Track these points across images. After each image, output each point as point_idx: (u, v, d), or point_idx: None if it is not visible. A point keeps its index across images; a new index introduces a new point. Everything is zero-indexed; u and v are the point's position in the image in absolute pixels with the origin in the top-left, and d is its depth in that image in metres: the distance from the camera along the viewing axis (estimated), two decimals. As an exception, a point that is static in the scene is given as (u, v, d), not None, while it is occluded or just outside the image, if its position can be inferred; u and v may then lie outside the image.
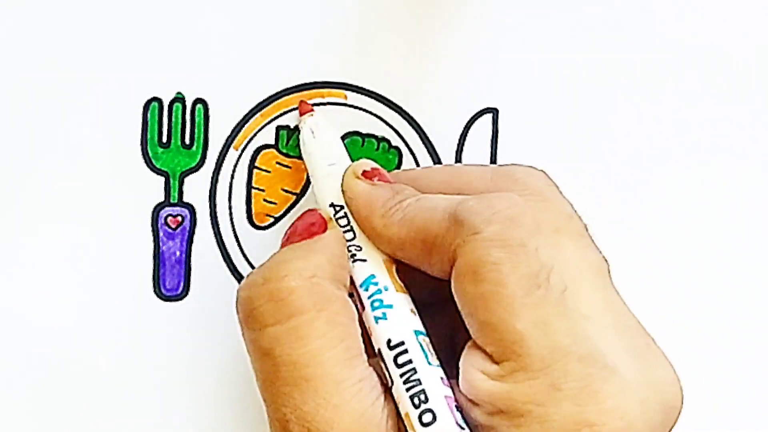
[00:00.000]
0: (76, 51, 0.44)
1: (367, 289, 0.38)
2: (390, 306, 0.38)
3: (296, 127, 0.45)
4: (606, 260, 0.39)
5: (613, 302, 0.38)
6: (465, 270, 0.36)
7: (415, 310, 0.38)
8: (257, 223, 0.45)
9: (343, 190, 0.40)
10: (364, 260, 0.39)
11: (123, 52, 0.44)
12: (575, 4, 0.46)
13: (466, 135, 0.46)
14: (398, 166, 0.45)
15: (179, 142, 0.44)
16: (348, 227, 0.40)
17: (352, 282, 0.39)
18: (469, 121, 0.46)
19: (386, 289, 0.38)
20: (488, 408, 0.35)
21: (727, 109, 0.46)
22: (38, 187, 0.44)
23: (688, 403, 0.38)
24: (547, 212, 0.38)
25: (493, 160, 0.46)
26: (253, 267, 0.45)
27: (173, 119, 0.44)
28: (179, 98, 0.44)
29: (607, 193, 0.46)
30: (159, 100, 0.44)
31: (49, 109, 0.44)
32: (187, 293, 0.44)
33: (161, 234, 0.44)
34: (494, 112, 0.46)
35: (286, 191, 0.45)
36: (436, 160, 0.45)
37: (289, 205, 0.45)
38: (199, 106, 0.44)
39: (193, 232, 0.45)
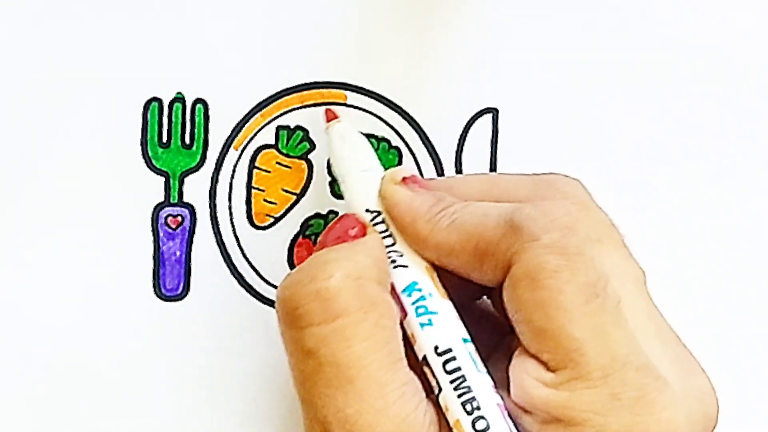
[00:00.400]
0: (76, 51, 0.44)
1: (410, 295, 0.38)
2: (435, 312, 0.37)
3: (297, 127, 0.45)
4: (643, 271, 0.38)
5: (654, 313, 0.38)
6: (522, 276, 0.35)
7: (458, 318, 0.38)
8: (257, 223, 0.45)
9: (382, 196, 0.39)
10: (406, 266, 0.38)
11: (123, 52, 0.44)
12: (575, 4, 0.46)
13: (466, 135, 0.46)
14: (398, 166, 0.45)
15: (179, 142, 0.44)
16: (387, 233, 0.39)
17: (393, 288, 0.38)
18: (469, 121, 0.46)
19: (431, 296, 0.38)
20: (542, 416, 0.35)
21: (727, 109, 0.46)
22: (38, 187, 0.44)
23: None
24: (589, 221, 0.38)
25: (493, 160, 0.46)
26: (253, 267, 0.45)
27: (173, 119, 0.44)
28: (179, 98, 0.44)
29: (607, 193, 0.46)
30: (159, 100, 0.44)
31: (49, 109, 0.44)
32: (187, 293, 0.44)
33: (161, 234, 0.44)
34: (494, 112, 0.46)
35: (286, 191, 0.45)
36: (436, 160, 0.45)
37: (289, 205, 0.45)
38: (199, 106, 0.44)
39: (193, 232, 0.45)
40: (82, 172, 0.44)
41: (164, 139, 0.44)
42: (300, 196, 0.45)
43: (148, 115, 0.44)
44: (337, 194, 0.45)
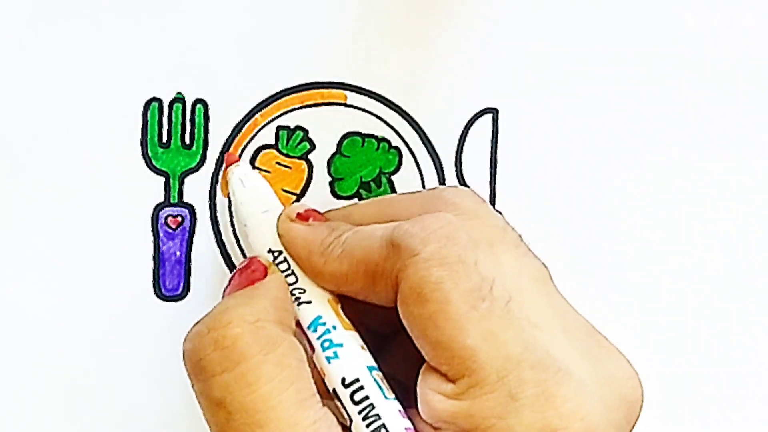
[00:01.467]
0: (76, 51, 0.44)
1: (315, 331, 0.38)
2: (340, 345, 0.38)
3: (297, 127, 0.45)
4: (545, 266, 0.39)
5: (559, 306, 0.38)
6: (409, 293, 0.36)
7: (365, 346, 0.38)
8: (257, 223, 0.45)
9: (279, 235, 0.40)
10: (309, 302, 0.39)
11: (123, 52, 0.44)
12: (575, 4, 0.46)
13: (466, 135, 0.46)
14: (398, 167, 0.45)
15: (179, 143, 0.44)
16: (289, 271, 0.39)
17: (299, 325, 0.39)
18: (469, 121, 0.46)
19: (334, 329, 0.38)
20: (451, 429, 0.35)
21: (728, 109, 0.46)
22: (38, 187, 0.44)
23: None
24: (480, 228, 0.38)
25: (493, 160, 0.46)
26: (253, 267, 0.45)
27: (173, 119, 0.44)
28: (179, 98, 0.44)
29: (606, 193, 0.46)
30: (159, 100, 0.44)
31: (49, 109, 0.44)
32: (187, 293, 0.44)
33: (161, 234, 0.44)
34: (494, 112, 0.46)
35: (286, 191, 0.45)
36: (436, 160, 0.45)
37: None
38: (199, 106, 0.44)
39: (193, 232, 0.45)
40: (82, 172, 0.44)
41: (164, 140, 0.44)
42: (300, 196, 0.45)
43: (148, 115, 0.44)
44: (338, 194, 0.45)
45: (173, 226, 0.44)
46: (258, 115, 0.45)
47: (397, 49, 0.45)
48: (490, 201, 0.46)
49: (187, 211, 0.44)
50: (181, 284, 0.44)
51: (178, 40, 0.44)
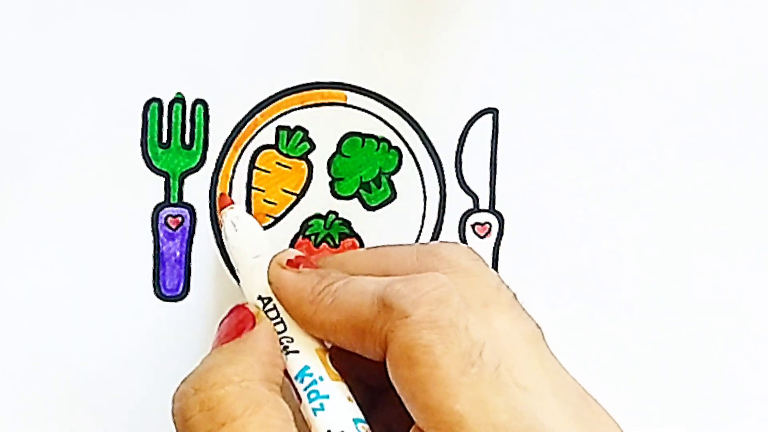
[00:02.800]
0: (76, 51, 0.44)
1: (302, 381, 0.38)
2: (326, 396, 0.37)
3: (297, 127, 0.45)
4: (539, 327, 0.39)
5: (550, 369, 0.38)
6: (398, 355, 0.36)
7: (352, 398, 0.38)
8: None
9: (269, 281, 0.40)
10: (297, 351, 0.38)
11: (123, 52, 0.44)
12: (576, 4, 0.46)
13: (466, 135, 0.46)
14: (398, 167, 0.45)
15: (179, 143, 0.44)
16: (278, 319, 0.39)
17: (288, 374, 0.38)
18: (469, 121, 0.46)
19: (321, 380, 0.38)
20: None
21: (728, 110, 0.46)
22: (38, 187, 0.44)
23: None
24: (474, 288, 0.38)
25: (493, 160, 0.46)
26: (253, 267, 0.45)
27: (173, 119, 0.44)
28: (179, 98, 0.44)
29: (606, 193, 0.46)
30: (159, 101, 0.44)
31: (49, 109, 0.44)
32: (187, 293, 0.44)
33: (161, 234, 0.44)
34: (494, 112, 0.46)
35: (286, 191, 0.45)
36: (436, 160, 0.45)
37: (289, 205, 0.45)
38: (199, 106, 0.44)
39: (193, 233, 0.45)
40: (82, 172, 0.44)
41: (164, 140, 0.44)
42: (300, 196, 0.45)
43: (148, 116, 0.44)
44: (338, 194, 0.45)
45: (173, 227, 0.44)
46: (258, 115, 0.45)
47: (397, 49, 0.45)
48: (490, 201, 0.46)
49: (187, 211, 0.44)
50: (181, 284, 0.44)
51: (178, 40, 0.44)
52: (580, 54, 0.46)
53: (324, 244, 0.45)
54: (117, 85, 0.44)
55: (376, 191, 0.45)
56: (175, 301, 0.44)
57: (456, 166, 0.46)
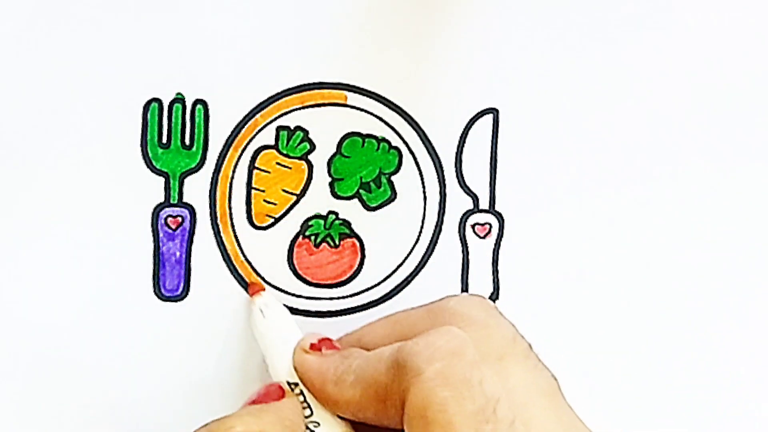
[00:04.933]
0: (77, 51, 0.44)
1: None
2: None
3: (297, 128, 0.45)
4: (555, 378, 0.38)
5: (567, 422, 0.37)
6: (413, 414, 0.36)
7: None
8: (257, 224, 0.45)
9: (295, 367, 0.40)
10: None
11: (123, 52, 0.44)
12: (576, 4, 0.46)
13: (466, 135, 0.46)
14: (398, 167, 0.45)
15: (179, 143, 0.44)
16: (305, 404, 0.40)
17: None
18: (469, 121, 0.46)
19: None
20: None
21: (728, 110, 0.46)
22: (38, 187, 0.44)
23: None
24: (489, 340, 0.38)
25: (493, 160, 0.46)
26: (253, 267, 0.45)
27: (173, 120, 0.44)
28: (179, 99, 0.44)
29: (607, 193, 0.46)
30: (159, 101, 0.44)
31: (49, 110, 0.44)
32: (187, 294, 0.44)
33: (161, 234, 0.44)
34: (494, 112, 0.46)
35: (286, 191, 0.45)
36: (436, 160, 0.45)
37: (289, 205, 0.45)
38: (199, 106, 0.44)
39: (193, 233, 0.45)
40: (82, 172, 0.44)
41: (164, 140, 0.44)
42: (300, 196, 0.45)
43: (148, 116, 0.44)
44: (338, 195, 0.45)
45: (173, 227, 0.44)
46: (258, 116, 0.45)
47: (397, 49, 0.45)
48: (490, 201, 0.46)
49: (187, 212, 0.44)
50: (181, 284, 0.44)
51: (178, 40, 0.44)
52: (580, 54, 0.46)
53: (324, 244, 0.45)
54: (117, 85, 0.44)
55: (376, 191, 0.45)
56: (175, 301, 0.44)
57: (456, 166, 0.46)
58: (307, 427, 0.39)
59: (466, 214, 0.46)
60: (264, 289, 0.44)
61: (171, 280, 0.44)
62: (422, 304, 0.41)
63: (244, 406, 0.40)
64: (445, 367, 0.36)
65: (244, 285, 0.45)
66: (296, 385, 0.40)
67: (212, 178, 0.45)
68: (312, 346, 0.40)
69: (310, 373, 0.40)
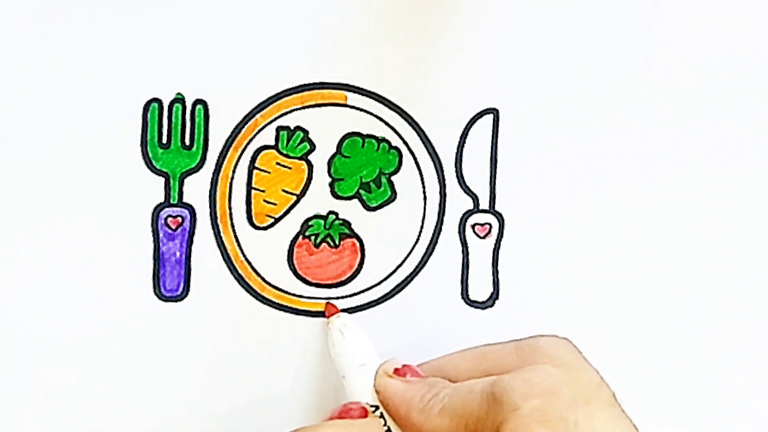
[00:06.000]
0: (76, 51, 0.44)
1: None
2: None
3: (297, 128, 0.45)
4: (636, 427, 0.39)
5: None
6: None
7: None
8: (257, 224, 0.45)
9: (377, 390, 0.41)
10: None
11: (123, 52, 0.44)
12: (575, 4, 0.46)
13: (466, 135, 0.46)
14: (398, 167, 0.45)
15: (179, 143, 0.44)
16: (385, 428, 0.40)
17: None
18: (469, 122, 0.46)
19: None
20: None
21: (728, 111, 0.46)
22: (38, 187, 0.44)
23: None
24: (576, 383, 0.38)
25: (493, 160, 0.46)
26: (253, 267, 0.45)
27: (173, 120, 0.44)
28: (179, 99, 0.44)
29: (606, 193, 0.46)
30: (159, 101, 0.44)
31: (49, 110, 0.44)
32: (187, 294, 0.44)
33: (161, 235, 0.44)
34: (494, 112, 0.46)
35: (286, 192, 0.45)
36: (436, 160, 0.45)
37: (289, 205, 0.45)
38: (199, 106, 0.44)
39: (193, 233, 0.45)
40: (82, 173, 0.44)
41: (164, 140, 0.44)
42: (300, 196, 0.45)
43: (148, 116, 0.44)
44: (338, 195, 0.45)
45: (173, 227, 0.44)
46: (258, 116, 0.45)
47: (397, 49, 0.45)
48: (490, 201, 0.46)
49: (187, 212, 0.44)
50: (181, 285, 0.44)
51: (178, 40, 0.44)
52: (580, 54, 0.46)
53: (324, 244, 0.45)
54: (117, 85, 0.44)
55: (376, 191, 0.45)
56: (175, 301, 0.44)
57: (456, 166, 0.46)
58: None
59: (466, 214, 0.46)
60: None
61: (171, 280, 0.44)
62: (509, 340, 0.41)
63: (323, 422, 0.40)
64: (543, 404, 0.36)
65: (245, 285, 0.45)
66: (376, 408, 0.40)
67: (212, 178, 0.45)
68: (396, 371, 0.41)
69: (394, 398, 0.40)
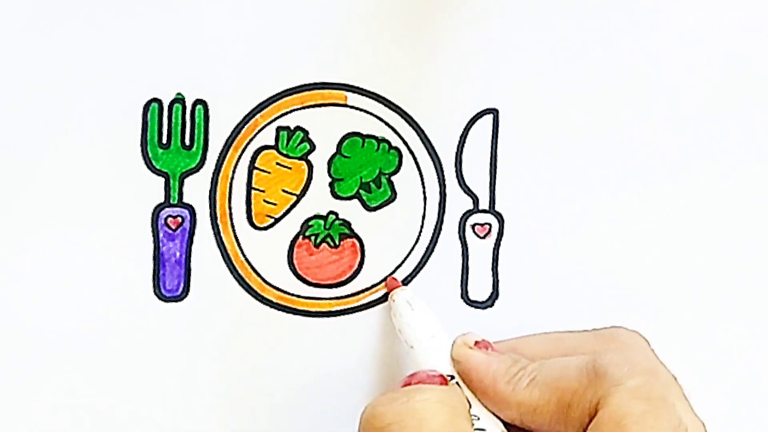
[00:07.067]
0: (76, 51, 0.44)
1: None
2: None
3: (297, 128, 0.45)
4: (704, 425, 0.39)
5: None
6: (608, 421, 0.36)
7: None
8: (257, 224, 0.45)
9: (457, 361, 0.41)
10: (483, 430, 0.39)
11: (123, 52, 0.44)
12: (575, 4, 0.46)
13: (466, 135, 0.46)
14: (398, 167, 0.45)
15: (179, 143, 0.44)
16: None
17: None
18: (469, 122, 0.46)
19: None
20: None
21: (729, 111, 0.46)
22: (38, 187, 0.44)
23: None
24: (657, 374, 0.38)
25: (493, 161, 0.46)
26: (253, 267, 0.45)
27: (173, 120, 0.44)
28: (179, 99, 0.44)
29: (606, 193, 0.46)
30: (159, 101, 0.44)
31: (49, 110, 0.44)
32: (187, 294, 0.44)
33: (161, 235, 0.44)
34: (494, 112, 0.46)
35: (286, 192, 0.45)
36: (436, 160, 0.45)
37: (289, 205, 0.45)
38: (199, 106, 0.44)
39: (193, 233, 0.45)
40: (82, 173, 0.44)
41: (164, 140, 0.44)
42: (300, 196, 0.45)
43: (148, 116, 0.44)
44: (338, 195, 0.45)
45: (173, 227, 0.44)
46: (258, 116, 0.45)
47: (397, 49, 0.45)
48: (490, 202, 0.46)
49: (187, 212, 0.44)
50: (181, 285, 0.44)
51: (178, 40, 0.44)
52: (580, 54, 0.46)
53: (324, 244, 0.45)
54: (117, 85, 0.44)
55: (376, 192, 0.45)
56: (175, 301, 0.44)
57: (456, 166, 0.46)
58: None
59: (466, 214, 0.46)
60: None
61: (171, 280, 0.44)
62: (587, 329, 0.42)
63: (408, 382, 0.39)
64: (645, 383, 0.37)
65: (245, 285, 0.45)
66: (452, 378, 0.40)
67: (212, 179, 0.45)
68: (476, 343, 0.41)
69: (479, 369, 0.40)
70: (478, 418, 0.39)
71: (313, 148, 0.45)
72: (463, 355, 0.41)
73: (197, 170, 0.44)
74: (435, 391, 0.38)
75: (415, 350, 0.42)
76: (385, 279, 0.45)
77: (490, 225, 0.46)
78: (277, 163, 0.45)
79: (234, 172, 0.45)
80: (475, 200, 0.46)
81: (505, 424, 0.40)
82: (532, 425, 0.39)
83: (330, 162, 0.45)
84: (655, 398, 0.36)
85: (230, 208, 0.45)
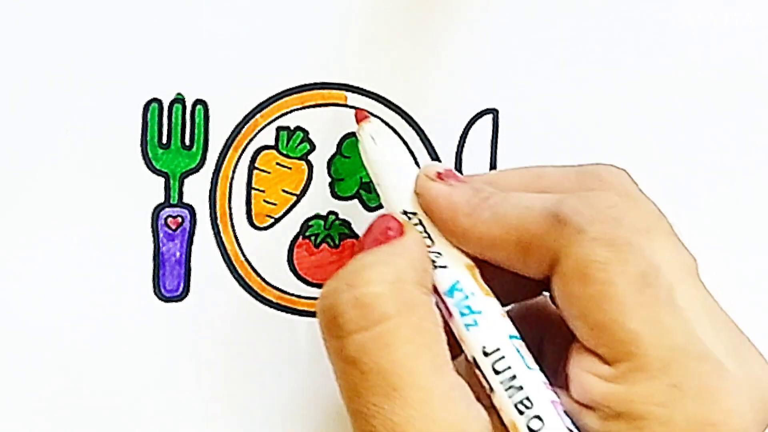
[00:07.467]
0: (77, 51, 0.44)
1: (452, 296, 0.37)
2: (479, 312, 0.36)
3: (297, 128, 0.45)
4: (694, 258, 0.38)
5: (707, 302, 0.37)
6: (571, 271, 0.35)
7: (505, 314, 0.37)
8: (257, 224, 0.45)
9: (418, 194, 0.39)
10: (445, 267, 0.37)
11: (123, 52, 0.44)
12: (575, 4, 0.46)
13: (466, 135, 0.46)
14: (398, 167, 0.45)
15: (179, 143, 0.44)
16: (425, 235, 0.38)
17: (436, 290, 0.37)
18: (469, 122, 0.46)
19: (473, 294, 0.37)
20: (604, 412, 0.34)
21: (729, 111, 0.46)
22: (38, 187, 0.44)
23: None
24: (638, 211, 0.37)
25: (493, 161, 0.46)
26: (253, 268, 0.45)
27: (173, 120, 0.44)
28: (179, 99, 0.44)
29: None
30: (159, 101, 0.44)
31: (49, 110, 0.44)
32: (187, 294, 0.44)
33: (161, 235, 0.44)
34: (494, 112, 0.46)
35: (286, 192, 0.45)
36: (436, 160, 0.45)
37: (289, 205, 0.45)
38: (199, 106, 0.44)
39: (193, 233, 0.45)
40: (82, 173, 0.44)
41: (164, 140, 0.44)
42: (300, 196, 0.45)
43: (148, 116, 0.44)
44: (338, 195, 0.45)
45: (173, 227, 0.44)
46: (258, 116, 0.45)
47: (397, 49, 0.45)
48: (490, 201, 0.46)
49: (187, 212, 0.44)
50: (181, 285, 0.44)
51: (178, 40, 0.44)
52: (580, 54, 0.46)
53: (324, 244, 0.45)
54: (117, 85, 0.44)
55: (376, 192, 0.45)
56: (175, 301, 0.44)
57: (456, 166, 0.46)
58: (432, 262, 0.38)
59: (466, 214, 0.46)
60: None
61: (171, 280, 0.44)
62: (567, 165, 0.40)
63: (361, 247, 0.38)
64: (610, 229, 0.35)
65: (245, 285, 0.45)
66: (414, 214, 0.39)
67: (212, 179, 0.45)
68: (438, 174, 0.39)
69: (438, 202, 0.38)
70: (440, 255, 0.38)
71: (313, 148, 0.45)
72: (423, 188, 0.39)
73: (197, 170, 0.45)
74: (379, 266, 0.36)
75: (381, 187, 0.40)
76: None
77: (490, 225, 0.46)
78: (277, 163, 0.45)
79: (234, 172, 0.45)
80: (475, 200, 0.46)
81: (473, 259, 0.38)
82: (493, 261, 0.37)
83: (330, 162, 0.45)
84: (620, 243, 0.35)
85: (230, 208, 0.45)
